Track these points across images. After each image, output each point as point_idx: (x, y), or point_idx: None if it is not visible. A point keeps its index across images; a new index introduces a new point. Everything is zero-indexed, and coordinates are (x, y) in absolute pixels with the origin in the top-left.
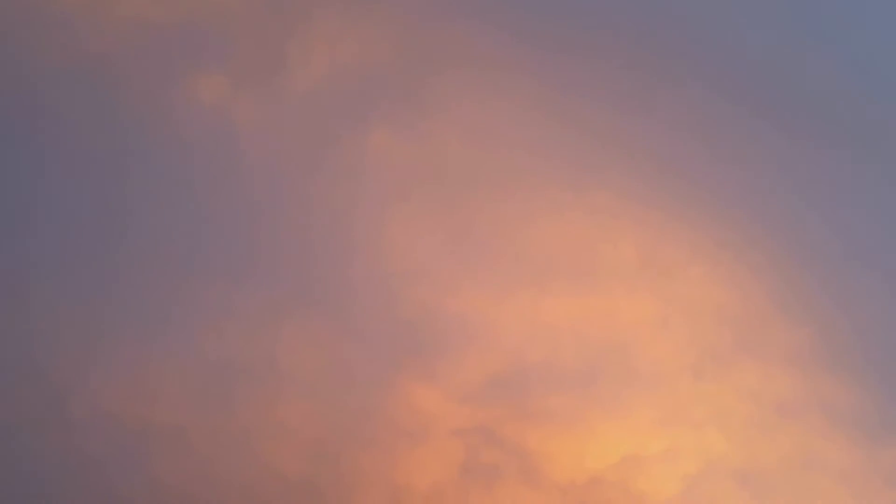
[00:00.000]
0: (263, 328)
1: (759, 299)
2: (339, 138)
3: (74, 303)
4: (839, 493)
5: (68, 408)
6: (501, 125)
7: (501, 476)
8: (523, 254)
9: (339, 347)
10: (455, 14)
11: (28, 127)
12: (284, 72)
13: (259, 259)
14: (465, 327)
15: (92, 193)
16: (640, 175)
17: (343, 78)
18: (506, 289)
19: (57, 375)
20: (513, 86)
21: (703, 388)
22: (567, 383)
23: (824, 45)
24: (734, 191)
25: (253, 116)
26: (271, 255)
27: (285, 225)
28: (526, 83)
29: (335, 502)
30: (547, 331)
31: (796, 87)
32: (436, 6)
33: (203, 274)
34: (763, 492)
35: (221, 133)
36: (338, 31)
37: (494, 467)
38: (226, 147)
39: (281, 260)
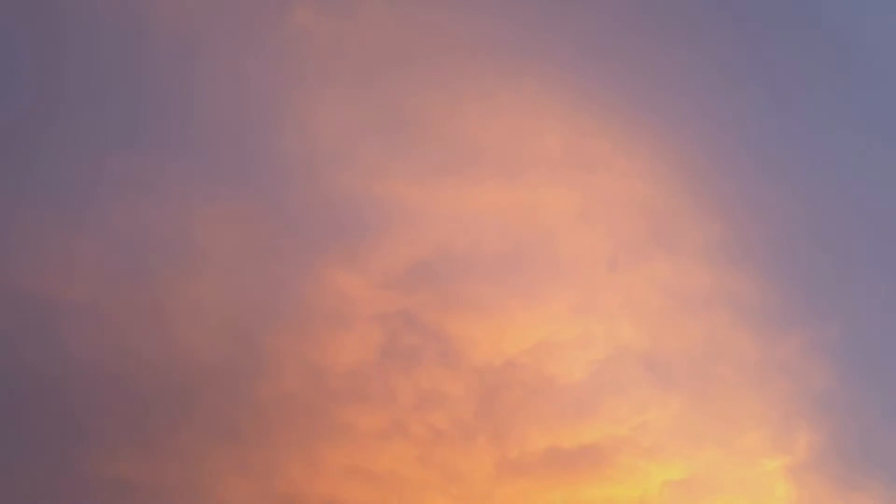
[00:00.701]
0: (179, 204)
1: (675, 195)
2: (262, 14)
3: None
4: (738, 379)
5: None
6: (430, 9)
7: (421, 359)
8: (451, 141)
9: (258, 227)
10: None
11: None
12: None
13: (176, 135)
14: (389, 212)
15: (4, 58)
16: (567, 69)
17: None
18: (432, 175)
19: None
20: None
21: (617, 279)
22: (488, 271)
23: None
24: (657, 93)
25: None
26: (189, 130)
27: (205, 101)
28: None
29: (254, 382)
30: (471, 219)
31: None
32: None
33: (118, 147)
34: (667, 378)
35: (141, 6)
36: None
37: (414, 351)
38: (146, 21)
39: (200, 136)
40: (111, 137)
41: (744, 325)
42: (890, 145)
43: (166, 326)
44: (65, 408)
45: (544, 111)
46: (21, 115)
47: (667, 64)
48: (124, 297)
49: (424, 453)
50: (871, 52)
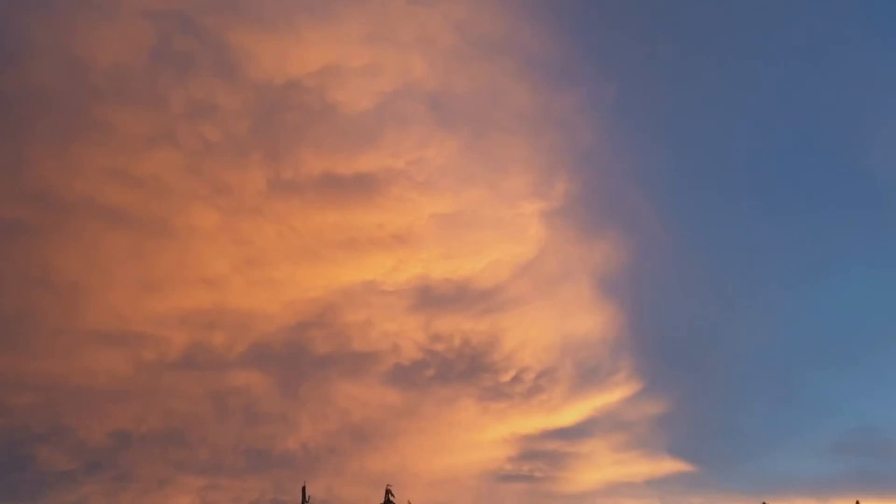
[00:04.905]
0: None
1: None
2: None
3: None
4: (513, 127)
5: None
6: None
7: (195, 66)
8: None
9: None
10: None
11: None
12: None
13: None
14: None
15: None
16: None
17: None
18: None
19: None
20: None
21: (414, 10)
22: None
23: None
24: None
25: None
26: None
27: None
28: None
29: (1, 70)
30: None
31: None
32: None
33: None
34: (449, 117)
35: None
36: None
37: (188, 56)
38: None
39: None
40: None
41: (528, 76)
42: None
43: None
44: None
45: None
46: None
47: None
48: None
49: (193, 163)
50: None
